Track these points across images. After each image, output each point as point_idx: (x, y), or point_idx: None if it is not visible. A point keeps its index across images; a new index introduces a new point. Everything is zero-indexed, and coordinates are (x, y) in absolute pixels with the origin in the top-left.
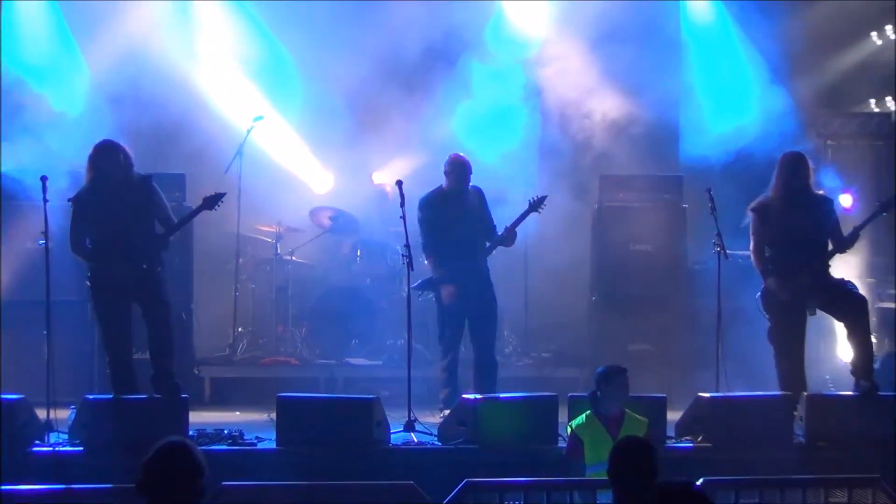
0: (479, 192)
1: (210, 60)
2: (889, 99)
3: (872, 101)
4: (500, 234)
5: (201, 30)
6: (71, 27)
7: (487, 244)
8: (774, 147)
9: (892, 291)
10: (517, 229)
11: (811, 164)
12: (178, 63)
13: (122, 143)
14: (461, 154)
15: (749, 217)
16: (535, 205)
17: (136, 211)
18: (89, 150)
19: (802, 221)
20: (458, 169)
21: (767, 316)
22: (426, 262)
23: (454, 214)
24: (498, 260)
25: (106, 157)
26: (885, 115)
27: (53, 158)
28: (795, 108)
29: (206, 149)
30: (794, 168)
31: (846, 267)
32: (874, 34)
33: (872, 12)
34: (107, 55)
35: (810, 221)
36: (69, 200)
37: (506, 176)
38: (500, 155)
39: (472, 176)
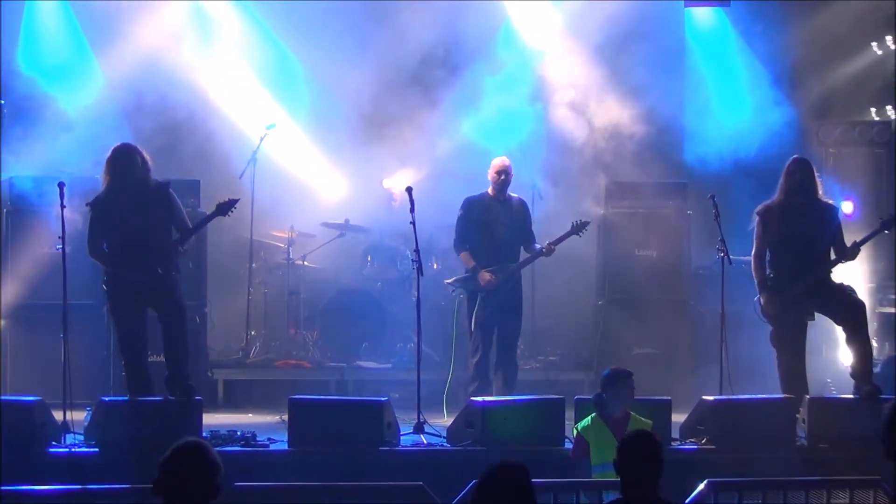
0: (522, 202)
1: (223, 68)
2: (889, 108)
3: (873, 109)
4: (539, 248)
5: (214, 37)
6: (86, 32)
7: (526, 254)
8: (777, 154)
9: (892, 296)
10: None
11: (817, 171)
12: (192, 70)
13: (139, 147)
14: (503, 158)
15: (755, 220)
16: (578, 228)
17: (154, 217)
18: (107, 153)
19: (804, 226)
20: (498, 173)
21: (765, 319)
22: (460, 257)
23: (493, 218)
24: None
25: (124, 160)
26: (886, 124)
27: (63, 164)
28: (797, 116)
29: (219, 155)
30: (800, 173)
31: (847, 272)
32: (874, 44)
33: (873, 22)
34: (121, 61)
35: (812, 227)
36: (87, 204)
37: (513, 182)
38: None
39: (510, 180)
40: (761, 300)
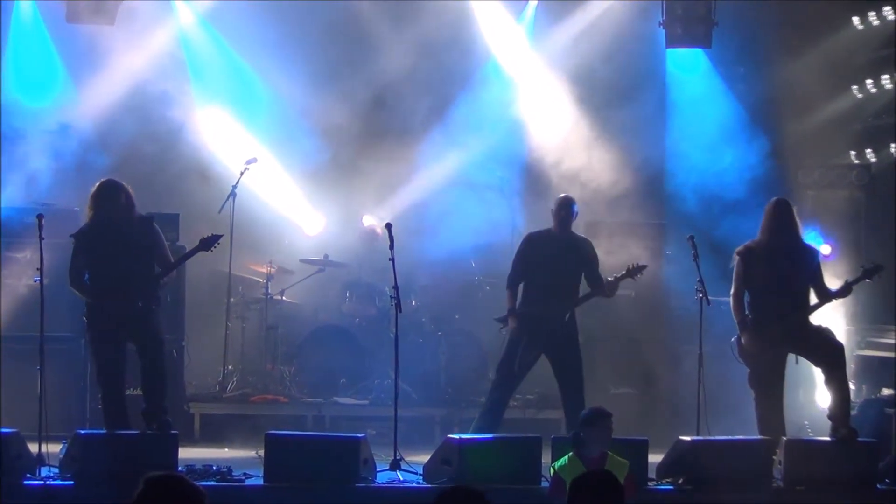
0: (588, 242)
1: (203, 101)
2: (868, 151)
3: (852, 152)
4: (602, 286)
5: (195, 71)
6: (66, 64)
7: (583, 294)
8: (756, 195)
9: (870, 339)
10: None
11: (797, 213)
12: (172, 103)
13: (123, 183)
14: (569, 195)
15: (735, 260)
16: (633, 272)
17: (136, 250)
18: (92, 188)
19: (785, 268)
20: (560, 210)
21: (741, 360)
22: (506, 293)
23: (553, 255)
24: (483, 304)
25: (108, 196)
26: (865, 167)
27: (42, 195)
28: (777, 157)
29: (198, 189)
30: (781, 215)
31: (826, 314)
32: (854, 87)
33: (853, 66)
34: (101, 93)
35: (793, 269)
36: (71, 236)
37: (492, 220)
38: (488, 199)
39: (572, 216)
40: (741, 340)
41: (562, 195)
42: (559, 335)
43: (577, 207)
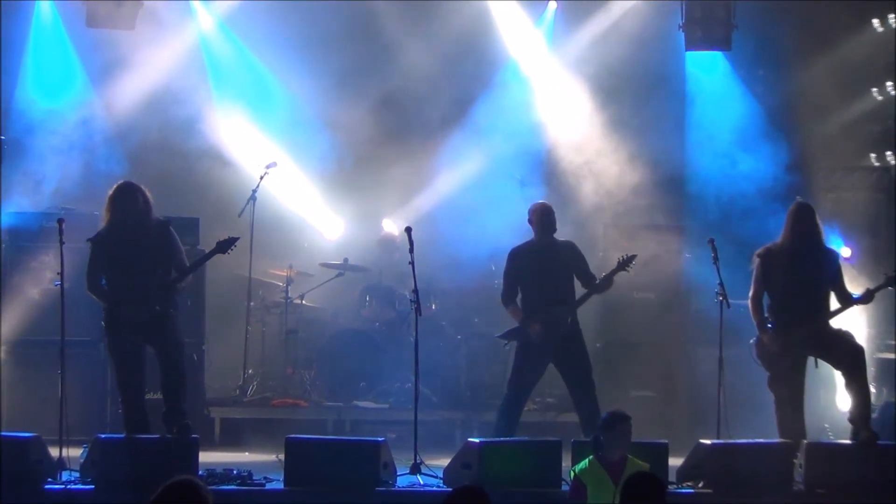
0: (572, 245)
1: (224, 105)
2: (889, 153)
3: (873, 155)
4: (595, 284)
5: (214, 74)
6: (86, 68)
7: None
8: (776, 198)
9: (891, 342)
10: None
11: (819, 216)
12: (192, 107)
13: (141, 185)
14: (545, 202)
15: (755, 262)
16: (624, 264)
17: (153, 254)
18: (109, 191)
19: (806, 271)
20: (539, 217)
21: (759, 363)
22: (508, 312)
23: (541, 264)
24: (503, 308)
25: (125, 198)
26: (885, 170)
27: (62, 199)
28: (797, 160)
29: (218, 193)
30: (803, 219)
31: (847, 317)
32: (874, 90)
33: (873, 68)
34: (122, 97)
35: (814, 272)
36: (88, 241)
37: (512, 222)
38: (507, 201)
39: (553, 222)
40: (762, 340)
41: (539, 202)
42: (563, 340)
43: (553, 213)
